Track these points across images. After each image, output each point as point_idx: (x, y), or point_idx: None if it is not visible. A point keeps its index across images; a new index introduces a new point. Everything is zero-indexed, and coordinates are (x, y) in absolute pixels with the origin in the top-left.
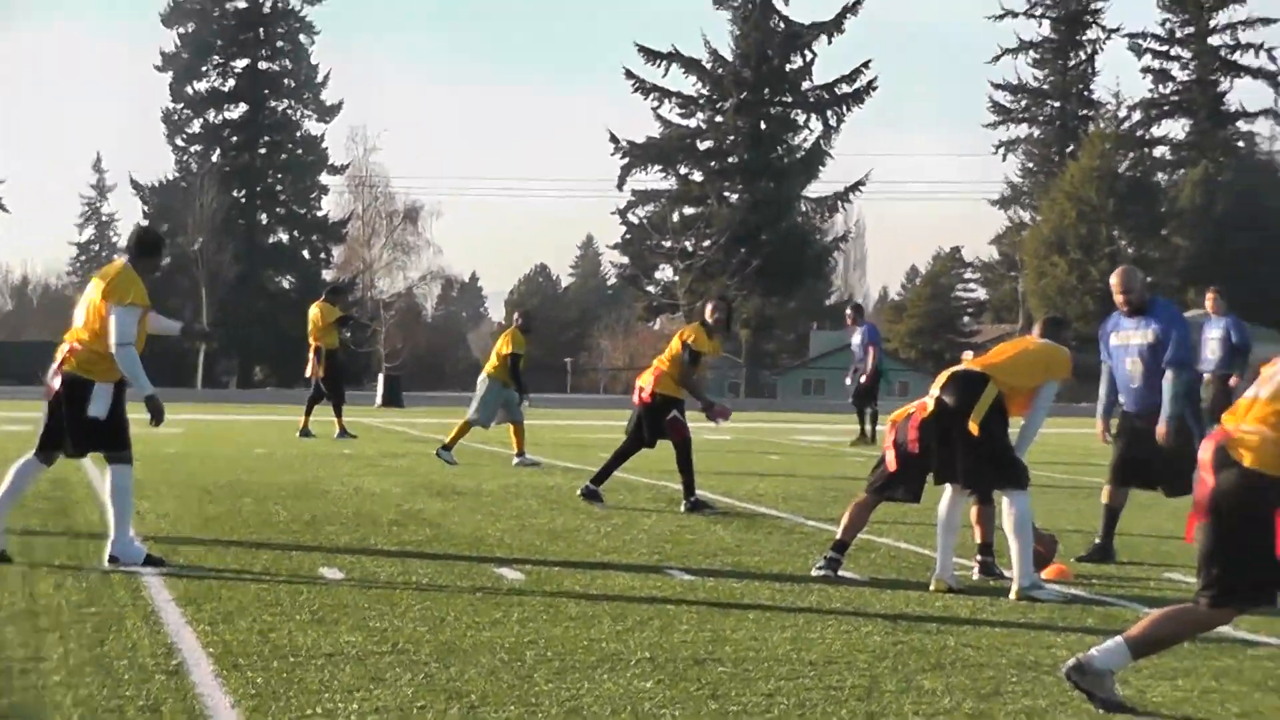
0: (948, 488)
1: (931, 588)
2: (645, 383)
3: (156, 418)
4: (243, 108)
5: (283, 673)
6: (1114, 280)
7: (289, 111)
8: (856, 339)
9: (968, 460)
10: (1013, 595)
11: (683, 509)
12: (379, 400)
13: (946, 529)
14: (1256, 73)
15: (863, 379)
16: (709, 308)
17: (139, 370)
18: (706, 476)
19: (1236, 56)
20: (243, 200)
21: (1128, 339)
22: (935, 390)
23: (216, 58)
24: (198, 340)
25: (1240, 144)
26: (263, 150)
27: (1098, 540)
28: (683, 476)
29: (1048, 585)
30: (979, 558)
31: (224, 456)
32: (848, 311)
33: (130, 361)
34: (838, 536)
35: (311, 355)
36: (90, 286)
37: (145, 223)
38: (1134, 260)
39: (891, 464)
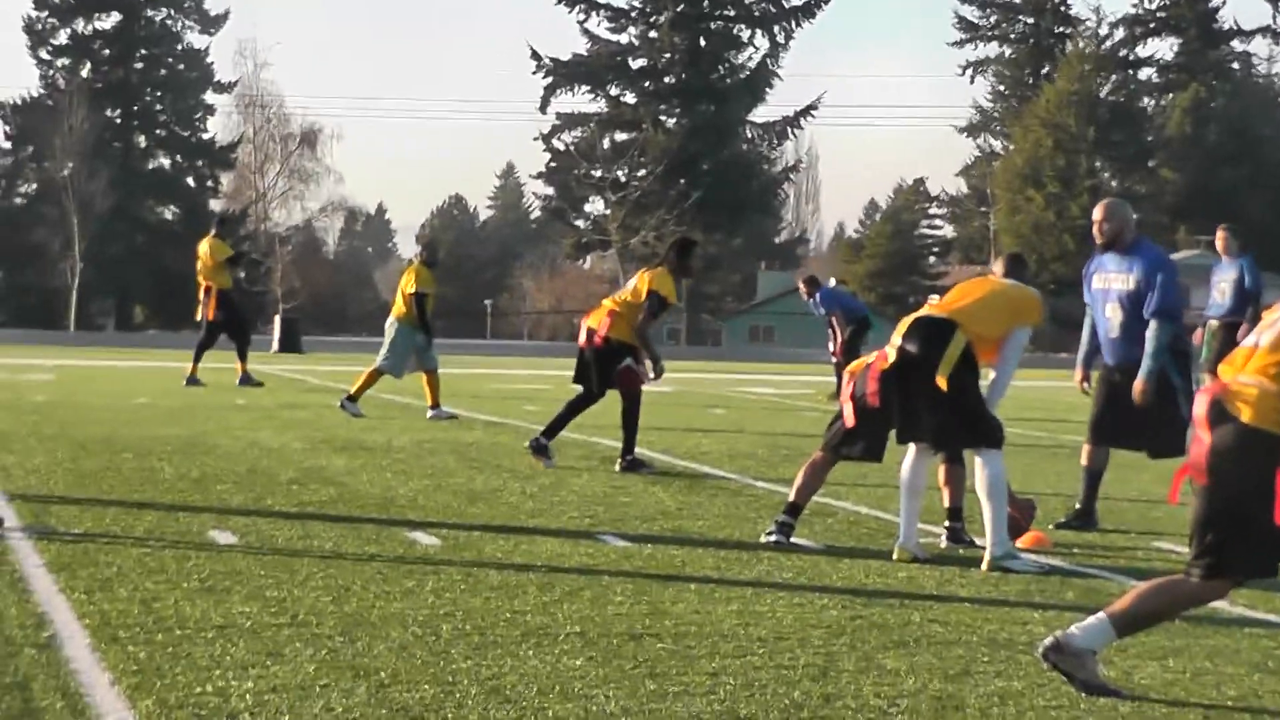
0: (911, 447)
1: (895, 557)
2: (597, 324)
3: None
4: (116, 16)
5: (168, 647)
6: (1096, 211)
7: (168, 21)
8: (818, 310)
9: (936, 417)
10: (985, 566)
11: (618, 468)
12: (275, 345)
13: (910, 492)
14: None
15: (833, 349)
16: (682, 252)
17: None
18: (644, 433)
19: None
20: (117, 121)
21: (1108, 282)
22: (897, 339)
23: None
24: None
25: (1234, 66)
26: (139, 65)
27: (1078, 505)
28: (625, 432)
29: (1023, 555)
30: (947, 524)
31: (101, 407)
32: (801, 285)
33: None
34: (790, 499)
35: (202, 296)
36: None
37: None
38: (1118, 195)
39: (849, 419)
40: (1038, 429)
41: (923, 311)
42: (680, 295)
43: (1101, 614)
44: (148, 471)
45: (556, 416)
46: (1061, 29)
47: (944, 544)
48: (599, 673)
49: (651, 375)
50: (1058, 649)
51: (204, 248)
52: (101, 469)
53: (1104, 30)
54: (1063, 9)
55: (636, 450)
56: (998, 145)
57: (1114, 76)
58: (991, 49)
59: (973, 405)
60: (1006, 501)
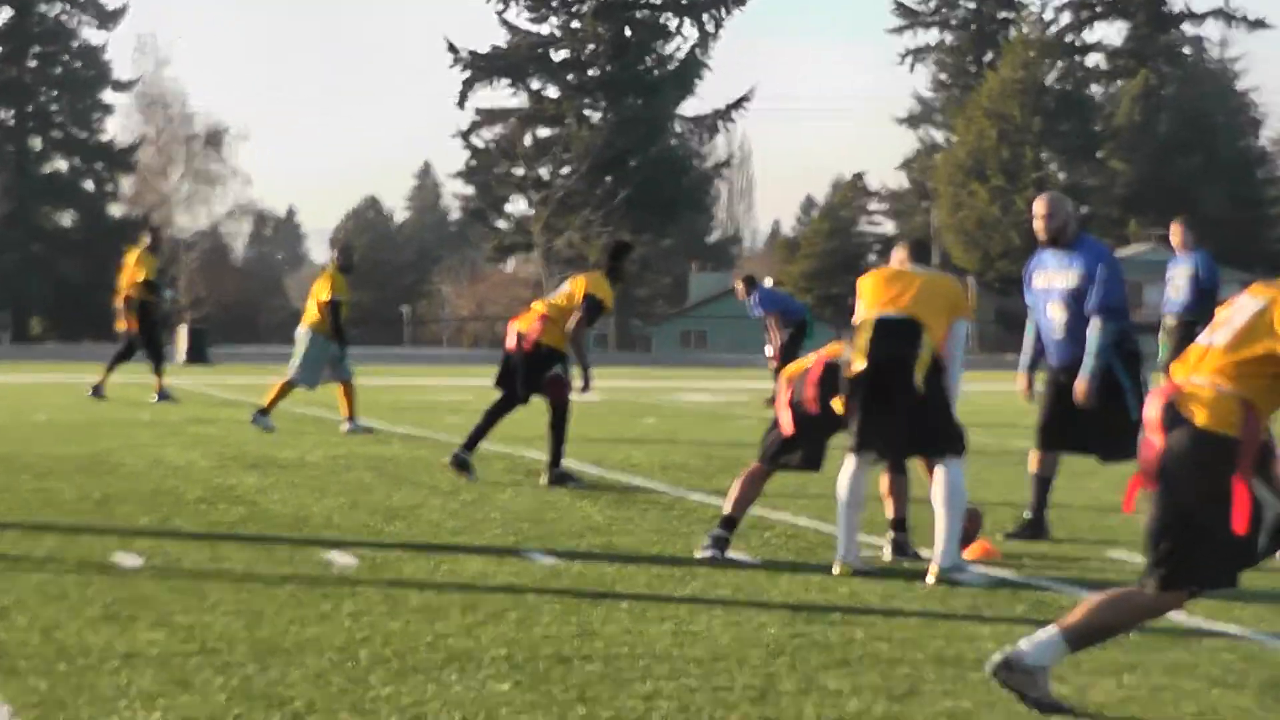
0: (851, 457)
1: (835, 571)
2: (526, 329)
3: None
4: (7, 12)
5: (70, 677)
6: (1036, 205)
7: (63, 17)
8: (756, 310)
9: (912, 424)
10: (930, 578)
11: (543, 482)
12: (182, 357)
13: (851, 504)
14: None
15: (771, 353)
16: (615, 255)
17: None
18: (573, 444)
19: None
20: (10, 123)
21: (1050, 281)
22: (861, 343)
23: None
24: None
25: (1186, 50)
26: (32, 63)
27: (1028, 514)
28: (552, 443)
29: (970, 567)
30: (891, 534)
31: None
32: (738, 284)
33: None
34: (726, 512)
35: (121, 306)
36: None
37: None
38: (1065, 188)
39: (787, 427)
40: (984, 434)
41: (878, 313)
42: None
43: (1053, 628)
44: (47, 492)
45: (476, 427)
46: (1005, 14)
47: (887, 556)
48: (526, 698)
49: (580, 386)
50: (1008, 667)
51: (132, 258)
52: None
53: (1049, 15)
54: None
55: (564, 463)
56: (940, 137)
57: (1060, 63)
58: (932, 36)
59: (943, 410)
60: (963, 514)
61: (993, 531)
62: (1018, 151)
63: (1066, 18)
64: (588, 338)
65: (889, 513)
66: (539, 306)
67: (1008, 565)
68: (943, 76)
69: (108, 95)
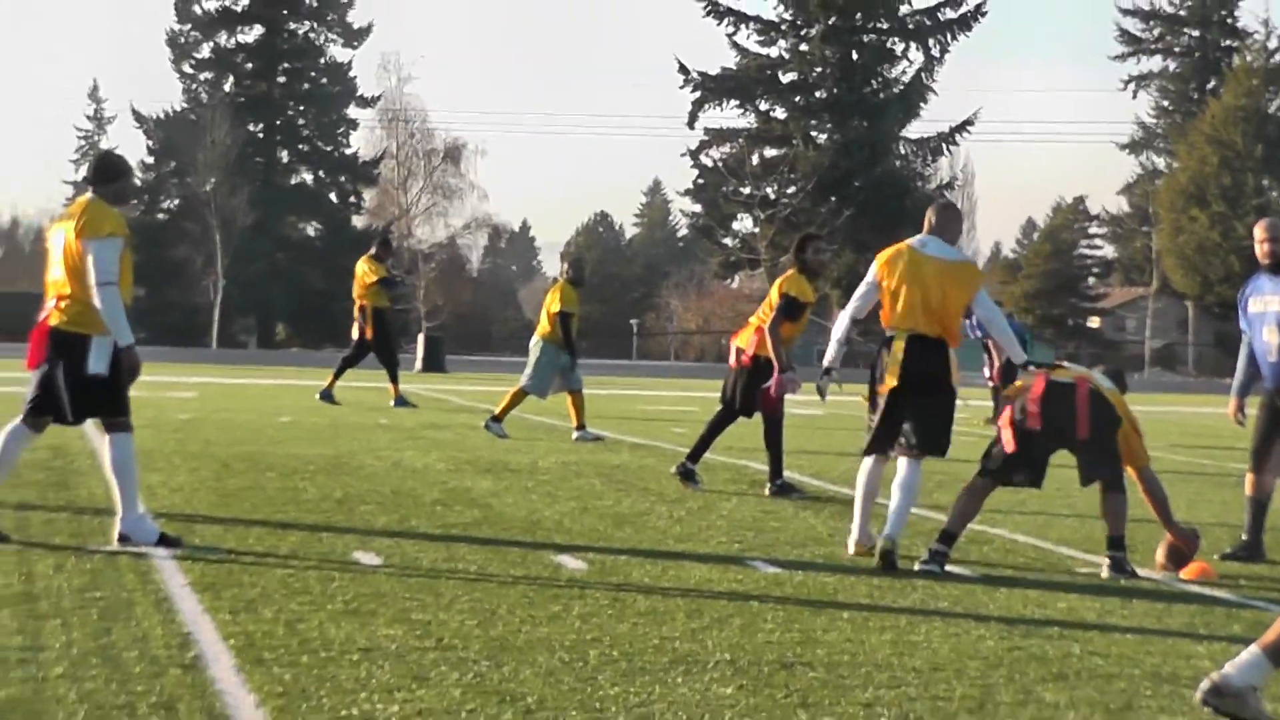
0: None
1: (850, 551)
2: (745, 343)
3: (130, 374)
4: (258, 30)
5: (313, 669)
6: (1258, 230)
7: (311, 35)
8: (975, 331)
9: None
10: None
11: (767, 492)
12: (418, 365)
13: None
14: None
15: (990, 373)
16: (800, 249)
17: (120, 314)
18: (795, 456)
19: None
20: (259, 136)
21: (1266, 305)
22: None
23: None
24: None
25: None
26: (281, 79)
27: (1244, 536)
28: (770, 455)
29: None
30: (1109, 553)
31: (244, 425)
32: None
33: (112, 303)
34: (945, 526)
35: (357, 314)
36: (60, 231)
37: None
38: None
39: (1009, 444)
40: (1203, 456)
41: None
42: (830, 313)
43: (1254, 647)
44: (291, 491)
45: (700, 438)
46: (1228, 42)
47: (1105, 574)
48: (749, 702)
49: (776, 390)
50: (1216, 692)
51: (359, 267)
52: (245, 488)
53: (1272, 43)
54: (1229, 21)
55: (786, 474)
56: (1161, 163)
57: None
58: (1155, 63)
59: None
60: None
61: (1210, 552)
62: (1239, 178)
63: None
64: (799, 346)
65: (1107, 531)
66: (755, 320)
67: (1224, 585)
68: (1165, 103)
69: (352, 110)
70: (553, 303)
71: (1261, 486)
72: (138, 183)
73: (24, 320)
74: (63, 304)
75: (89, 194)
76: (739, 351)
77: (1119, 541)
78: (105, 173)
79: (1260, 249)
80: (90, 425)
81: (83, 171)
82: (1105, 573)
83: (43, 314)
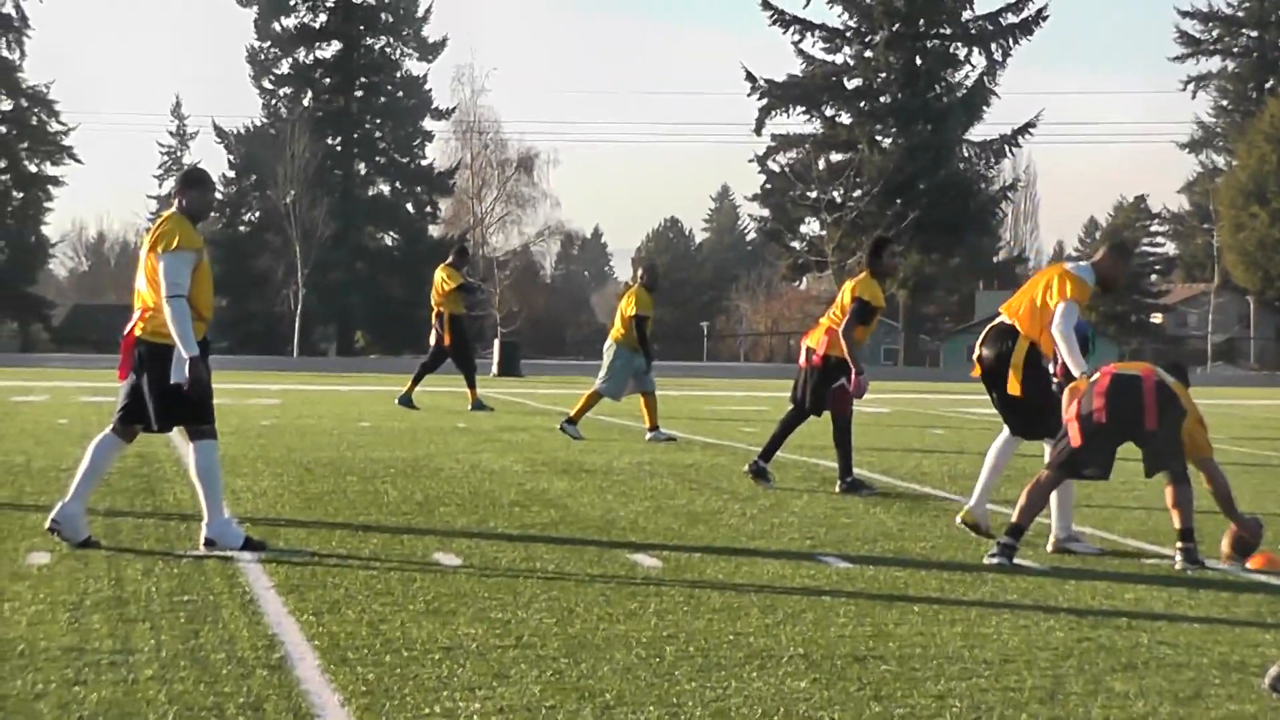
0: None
1: (959, 519)
2: (815, 344)
3: (191, 386)
4: (336, 46)
5: (396, 668)
6: None
7: (387, 49)
8: None
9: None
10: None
11: (837, 490)
12: (494, 369)
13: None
14: None
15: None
16: (875, 253)
17: (187, 326)
18: (863, 453)
19: None
20: (338, 149)
21: None
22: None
23: None
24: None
25: None
26: (359, 93)
27: None
28: (839, 453)
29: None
30: (1180, 545)
31: (325, 430)
32: None
33: (179, 315)
34: (1013, 520)
35: (435, 321)
36: (145, 244)
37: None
38: None
39: (1076, 438)
40: (1269, 448)
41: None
42: (896, 313)
43: None
44: (373, 494)
45: (771, 437)
46: None
47: (1178, 565)
48: (824, 695)
49: (851, 390)
50: None
51: (438, 275)
52: (327, 492)
53: None
54: None
55: (856, 471)
56: (1221, 161)
57: None
58: (1214, 63)
59: None
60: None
61: (1275, 542)
62: None
63: None
64: (869, 348)
65: (1176, 524)
66: (825, 321)
67: None
68: (1224, 103)
69: (427, 123)
70: (628, 306)
71: None
72: (219, 196)
73: (111, 332)
74: (146, 315)
75: (172, 208)
76: (809, 351)
77: (1189, 533)
78: (186, 181)
79: None
80: (176, 433)
81: (167, 186)
82: (1178, 564)
83: (129, 325)
